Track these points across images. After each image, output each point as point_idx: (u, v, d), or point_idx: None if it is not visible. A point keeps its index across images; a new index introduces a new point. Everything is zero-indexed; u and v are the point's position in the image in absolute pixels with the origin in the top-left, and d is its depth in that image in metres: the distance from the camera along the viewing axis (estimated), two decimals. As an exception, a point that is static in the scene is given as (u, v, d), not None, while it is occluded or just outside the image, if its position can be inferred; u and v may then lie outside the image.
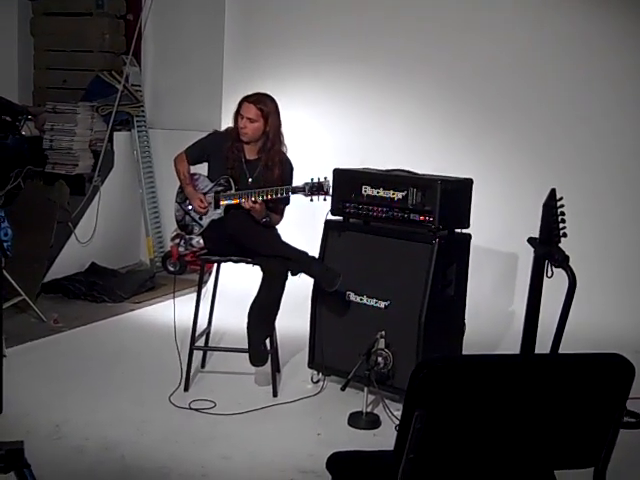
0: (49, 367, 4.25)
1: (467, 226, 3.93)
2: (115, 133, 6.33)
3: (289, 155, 4.13)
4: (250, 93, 4.05)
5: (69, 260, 5.81)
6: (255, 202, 3.87)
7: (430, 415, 1.72)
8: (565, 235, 2.93)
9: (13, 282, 4.74)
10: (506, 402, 1.78)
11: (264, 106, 3.97)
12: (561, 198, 2.95)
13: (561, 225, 2.93)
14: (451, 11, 5.47)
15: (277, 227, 4.14)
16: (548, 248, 2.92)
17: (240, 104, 4.02)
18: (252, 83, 5.60)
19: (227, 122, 4.17)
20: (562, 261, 2.88)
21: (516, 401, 1.78)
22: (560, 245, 2.94)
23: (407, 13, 5.56)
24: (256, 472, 3.17)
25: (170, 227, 4.95)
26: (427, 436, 1.74)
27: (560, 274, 2.93)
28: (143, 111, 6.59)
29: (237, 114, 4.02)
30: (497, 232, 5.19)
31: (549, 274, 2.97)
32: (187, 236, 4.11)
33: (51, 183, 5.80)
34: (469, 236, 3.95)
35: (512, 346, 3.53)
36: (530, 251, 3.14)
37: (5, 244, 3.89)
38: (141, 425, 3.54)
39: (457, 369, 1.77)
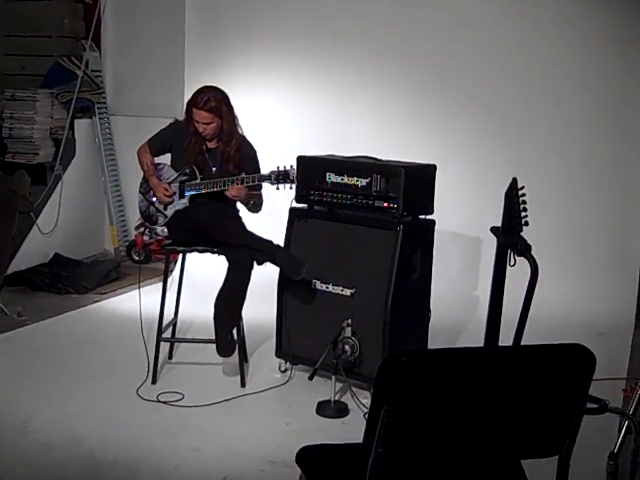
0: (14, 361, 4.21)
1: (431, 212, 3.95)
2: (76, 120, 6.26)
3: (250, 140, 4.11)
4: (195, 93, 3.98)
5: (32, 251, 5.75)
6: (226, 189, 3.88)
7: (397, 409, 1.75)
8: (527, 224, 2.96)
9: (-25, 275, 4.69)
10: (472, 394, 1.80)
11: (213, 105, 3.93)
12: (522, 187, 2.98)
13: (523, 214, 2.96)
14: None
15: (242, 216, 4.14)
16: (510, 237, 2.95)
17: (190, 109, 3.97)
18: (214, 69, 5.58)
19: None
20: (524, 250, 2.91)
21: (481, 393, 1.81)
22: (522, 234, 2.97)
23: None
24: (226, 463, 3.18)
25: (134, 215, 4.93)
26: (395, 430, 1.76)
27: (523, 262, 2.97)
28: (104, 97, 6.51)
29: (190, 118, 3.97)
30: (461, 217, 5.22)
31: (512, 263, 3.00)
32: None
33: (11, 173, 5.73)
34: (433, 222, 3.97)
35: (477, 330, 3.56)
36: (493, 236, 3.16)
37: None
38: (110, 419, 3.53)
39: (423, 363, 1.79)
